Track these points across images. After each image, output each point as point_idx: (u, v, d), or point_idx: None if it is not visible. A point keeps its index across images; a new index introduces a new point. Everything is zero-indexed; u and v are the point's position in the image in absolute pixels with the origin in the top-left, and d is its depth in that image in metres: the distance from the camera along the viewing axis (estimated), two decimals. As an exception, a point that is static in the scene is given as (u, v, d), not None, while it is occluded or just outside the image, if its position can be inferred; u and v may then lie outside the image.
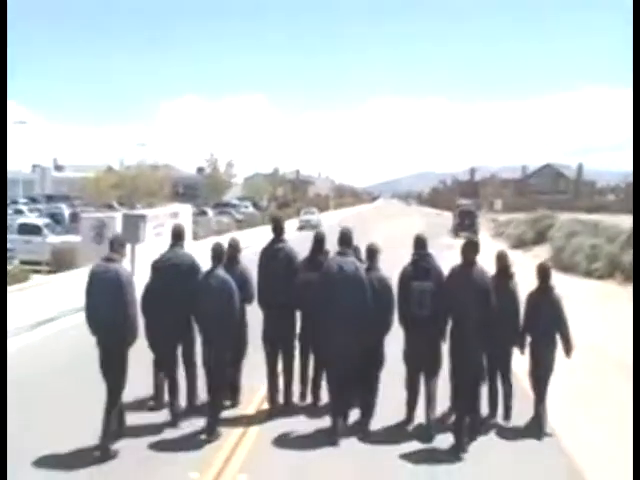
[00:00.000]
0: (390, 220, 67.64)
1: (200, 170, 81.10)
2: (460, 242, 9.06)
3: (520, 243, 31.62)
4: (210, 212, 49.26)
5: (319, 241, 8.67)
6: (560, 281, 21.09)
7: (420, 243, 8.22)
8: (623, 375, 10.09)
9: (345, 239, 8.17)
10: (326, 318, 7.77)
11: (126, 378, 7.38)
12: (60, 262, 23.82)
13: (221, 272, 7.80)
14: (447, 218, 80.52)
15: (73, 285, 16.99)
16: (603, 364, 11.32)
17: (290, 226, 49.55)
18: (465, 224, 42.46)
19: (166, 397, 8.39)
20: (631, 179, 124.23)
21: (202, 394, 8.40)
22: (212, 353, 7.73)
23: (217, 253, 7.93)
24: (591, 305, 16.65)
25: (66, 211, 36.73)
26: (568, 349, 8.12)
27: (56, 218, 32.34)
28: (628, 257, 19.88)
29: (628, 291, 18.43)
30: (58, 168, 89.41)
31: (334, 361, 7.80)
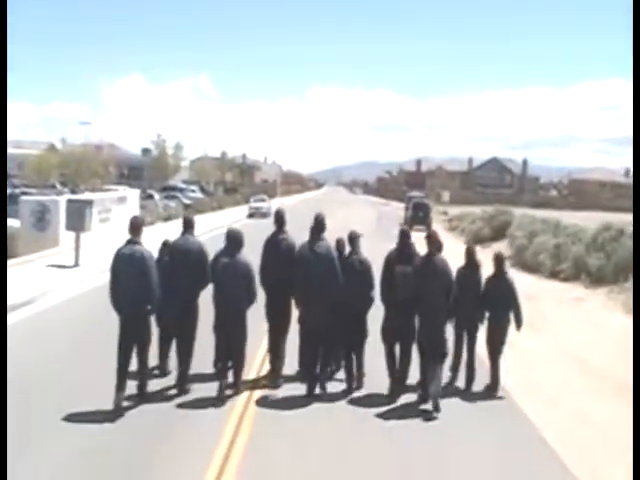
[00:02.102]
0: (341, 209, 66.78)
1: (145, 151, 78.59)
2: (415, 234, 10.18)
3: (477, 239, 31.09)
4: (156, 196, 47.49)
5: (315, 225, 9.19)
6: (526, 282, 20.58)
7: (404, 233, 9.23)
8: (623, 397, 9.37)
9: (318, 225, 9.07)
10: (305, 294, 8.84)
11: (150, 342, 8.36)
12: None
13: (243, 257, 8.62)
14: (396, 208, 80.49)
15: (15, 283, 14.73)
16: (590, 378, 10.60)
17: (238, 213, 48.28)
18: (419, 216, 42.02)
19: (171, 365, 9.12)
20: (574, 176, 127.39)
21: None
22: (230, 328, 8.51)
23: (235, 239, 8.73)
24: (565, 310, 16.08)
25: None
26: (519, 324, 9.28)
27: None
28: (594, 260, 19.47)
29: (597, 294, 18.02)
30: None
31: (315, 330, 8.79)
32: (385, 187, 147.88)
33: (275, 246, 9.29)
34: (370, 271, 9.08)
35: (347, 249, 9.33)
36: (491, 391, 9.19)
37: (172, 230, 21.87)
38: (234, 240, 8.70)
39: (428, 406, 8.44)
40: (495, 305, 9.26)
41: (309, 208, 61.21)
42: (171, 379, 8.98)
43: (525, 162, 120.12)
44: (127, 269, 8.03)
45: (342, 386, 9.12)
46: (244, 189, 79.71)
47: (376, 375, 9.17)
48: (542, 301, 16.79)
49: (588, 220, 41.19)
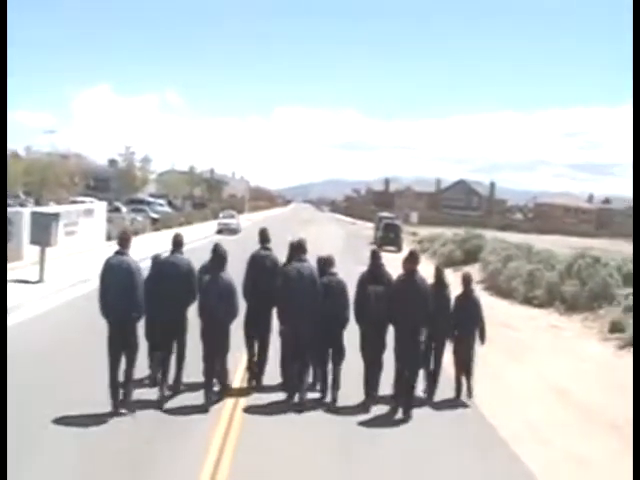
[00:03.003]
0: (309, 227, 66.43)
1: (112, 162, 77.25)
2: (386, 255, 10.80)
3: (449, 262, 30.94)
4: (123, 209, 46.57)
5: (297, 247, 9.72)
6: (500, 307, 20.47)
7: (375, 255, 9.80)
8: (612, 435, 9.09)
9: (300, 247, 9.63)
10: (288, 310, 9.29)
11: (138, 348, 8.74)
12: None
13: (226, 275, 9.01)
14: (363, 227, 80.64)
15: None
16: (576, 413, 10.30)
17: (206, 229, 47.57)
18: (390, 237, 41.88)
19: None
20: (539, 200, 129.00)
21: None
22: (213, 339, 8.90)
23: (219, 255, 9.11)
24: (543, 338, 15.87)
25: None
26: (482, 339, 10.15)
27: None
28: (568, 287, 19.38)
29: (572, 321, 17.91)
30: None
31: (296, 344, 9.29)
32: (353, 206, 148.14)
33: (260, 262, 9.82)
34: (345, 292, 9.52)
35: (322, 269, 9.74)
36: (456, 401, 9.97)
37: (141, 246, 21.38)
38: (218, 256, 9.09)
39: (399, 415, 9.13)
40: (463, 322, 10.00)
41: (280, 225, 61.00)
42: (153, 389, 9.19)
43: (493, 185, 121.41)
44: (115, 278, 8.42)
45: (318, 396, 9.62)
46: (212, 204, 78.85)
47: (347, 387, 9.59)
48: (519, 329, 16.63)
49: (555, 244, 41.62)
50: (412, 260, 9.36)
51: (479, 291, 24.07)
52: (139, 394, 8.92)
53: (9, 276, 17.72)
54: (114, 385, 8.48)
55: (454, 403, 9.95)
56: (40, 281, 17.35)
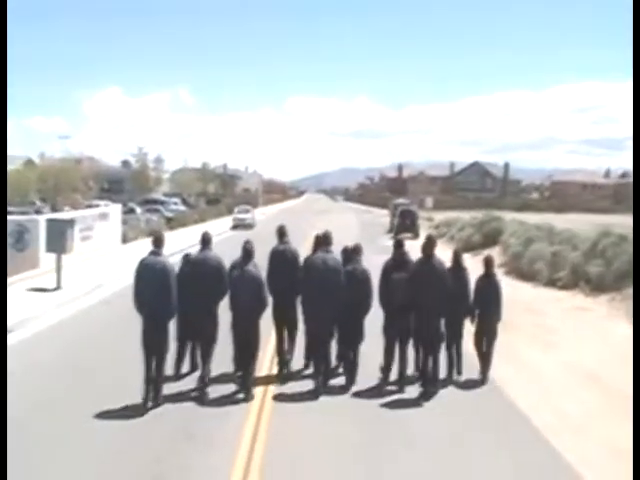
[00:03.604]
0: (324, 217, 66.26)
1: (125, 164, 77.43)
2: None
3: (467, 246, 30.50)
4: (138, 209, 46.55)
5: (323, 239, 10.15)
6: (524, 291, 20.10)
7: (399, 243, 10.25)
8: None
9: (326, 239, 10.07)
10: (315, 299, 9.61)
11: (169, 346, 9.08)
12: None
13: (254, 268, 9.35)
14: (378, 215, 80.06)
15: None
16: (611, 401, 9.98)
17: (221, 225, 47.43)
18: (406, 224, 41.41)
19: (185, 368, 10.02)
20: (554, 178, 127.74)
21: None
22: (243, 333, 9.26)
23: (248, 251, 9.43)
24: (570, 322, 15.49)
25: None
26: (497, 318, 10.35)
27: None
28: (593, 267, 18.96)
29: (599, 303, 17.49)
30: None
31: (321, 332, 9.71)
32: (367, 193, 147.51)
33: (280, 255, 10.33)
34: (369, 281, 9.86)
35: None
36: (481, 382, 10.23)
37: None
38: (247, 252, 9.43)
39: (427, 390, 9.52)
40: (484, 303, 10.24)
41: (294, 218, 60.82)
42: (187, 382, 9.70)
43: (507, 166, 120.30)
44: (149, 277, 8.77)
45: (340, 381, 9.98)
46: (226, 200, 78.78)
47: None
48: (546, 313, 16.25)
49: (574, 223, 40.92)
50: (429, 245, 9.80)
51: (501, 275, 23.78)
52: (172, 388, 9.34)
53: (27, 284, 17.66)
54: (148, 379, 8.79)
55: (476, 383, 10.24)
56: (58, 288, 17.21)
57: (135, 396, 8.80)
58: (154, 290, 8.73)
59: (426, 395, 9.46)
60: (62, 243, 17.39)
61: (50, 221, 18.31)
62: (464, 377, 10.36)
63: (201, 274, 9.32)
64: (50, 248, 17.83)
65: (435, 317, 9.63)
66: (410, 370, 10.12)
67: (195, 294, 9.24)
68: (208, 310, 9.31)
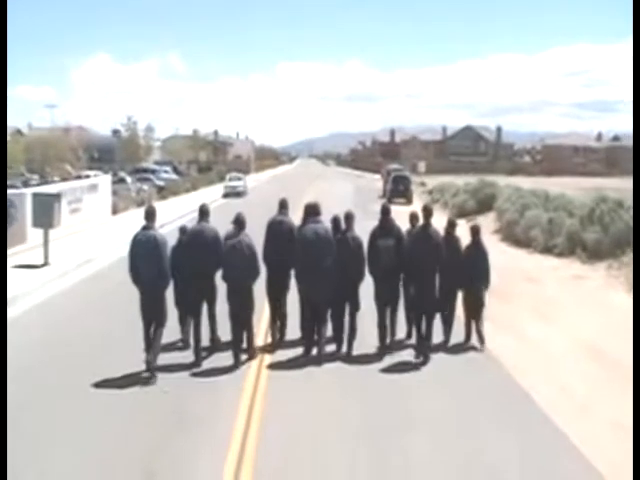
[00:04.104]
0: (317, 183, 65.83)
1: (115, 132, 76.30)
2: (397, 208, 11.75)
3: (462, 212, 30.25)
4: (128, 179, 45.88)
5: (312, 209, 10.20)
6: (521, 258, 19.87)
7: (385, 209, 10.30)
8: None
9: (315, 209, 10.15)
10: (307, 270, 9.82)
11: (167, 314, 9.39)
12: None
13: (247, 238, 9.62)
14: (371, 180, 79.60)
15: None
16: (614, 375, 9.76)
17: (212, 193, 46.91)
18: (399, 190, 41.11)
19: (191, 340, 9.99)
20: (546, 142, 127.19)
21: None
22: (238, 300, 9.57)
23: (240, 222, 9.73)
24: (568, 291, 15.27)
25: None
26: (486, 285, 10.64)
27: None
28: (590, 234, 18.72)
29: (596, 270, 17.27)
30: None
31: (314, 301, 9.90)
32: (359, 158, 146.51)
33: (278, 226, 10.41)
34: (362, 248, 9.98)
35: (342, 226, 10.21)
36: (466, 344, 10.60)
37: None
38: (239, 223, 9.71)
39: (420, 357, 9.83)
40: (472, 270, 10.46)
41: (286, 184, 60.32)
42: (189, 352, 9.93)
43: (499, 129, 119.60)
44: (143, 252, 9.11)
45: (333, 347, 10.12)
46: (218, 167, 78.05)
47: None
48: (544, 282, 16.02)
49: (567, 187, 40.73)
50: (426, 214, 10.04)
51: (496, 242, 23.58)
52: (173, 358, 9.72)
53: (14, 261, 17.28)
54: (148, 346, 9.16)
55: (466, 347, 10.57)
56: (46, 264, 16.84)
57: (126, 368, 9.20)
58: (149, 263, 9.07)
59: (422, 361, 9.77)
60: (49, 218, 16.92)
61: (36, 195, 17.71)
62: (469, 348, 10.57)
63: (199, 245, 9.72)
64: (37, 223, 17.36)
65: (430, 284, 9.90)
66: (402, 334, 10.65)
67: (193, 265, 9.67)
68: (207, 280, 9.84)
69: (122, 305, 12.10)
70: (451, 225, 10.63)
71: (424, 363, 9.72)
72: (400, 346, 10.40)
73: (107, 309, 12.94)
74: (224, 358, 9.71)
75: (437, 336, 10.42)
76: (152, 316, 9.21)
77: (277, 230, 10.39)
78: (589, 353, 10.66)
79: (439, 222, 10.67)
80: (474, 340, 10.62)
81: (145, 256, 9.10)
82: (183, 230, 10.21)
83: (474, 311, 10.56)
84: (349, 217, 10.17)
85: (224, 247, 9.69)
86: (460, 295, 10.70)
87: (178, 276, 9.61)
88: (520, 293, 14.72)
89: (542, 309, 13.37)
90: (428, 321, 9.92)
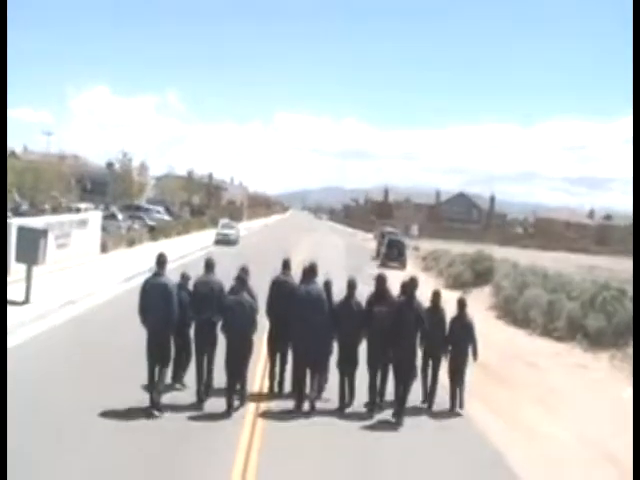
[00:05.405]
0: (310, 237, 65.34)
1: (110, 165, 75.68)
2: (389, 272, 12.84)
3: (457, 283, 29.71)
4: (120, 215, 45.12)
5: (309, 271, 10.84)
6: (520, 340, 19.14)
7: (380, 279, 10.91)
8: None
9: (312, 271, 10.76)
10: (298, 328, 10.42)
11: (171, 355, 10.09)
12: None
13: (247, 296, 10.17)
14: (363, 239, 79.46)
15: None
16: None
17: (204, 238, 46.22)
18: (394, 254, 40.59)
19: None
20: (539, 214, 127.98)
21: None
22: (236, 351, 9.97)
23: (243, 279, 10.35)
24: (572, 381, 14.52)
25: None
26: (475, 356, 11.18)
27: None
28: (592, 321, 18.11)
29: (599, 359, 16.59)
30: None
31: (305, 357, 10.42)
32: (352, 215, 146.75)
33: (280, 286, 11.05)
34: (363, 313, 10.64)
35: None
36: (451, 411, 11.03)
37: (137, 260, 20.49)
38: (241, 280, 10.32)
39: (397, 420, 10.22)
40: (457, 342, 11.08)
41: (278, 235, 59.79)
42: (188, 393, 10.40)
43: (493, 199, 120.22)
44: (154, 297, 9.71)
45: (326, 405, 10.61)
46: (210, 211, 77.51)
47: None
48: (545, 369, 15.31)
49: (561, 263, 40.43)
50: (411, 285, 10.64)
51: (493, 318, 22.93)
52: (173, 397, 10.17)
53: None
54: (151, 386, 9.64)
55: (450, 414, 10.97)
56: (26, 302, 15.97)
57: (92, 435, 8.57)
58: (158, 308, 9.64)
59: (399, 419, 10.22)
60: (33, 254, 16.08)
61: (21, 229, 16.80)
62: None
63: (205, 297, 10.18)
64: (20, 258, 16.47)
65: (411, 353, 10.39)
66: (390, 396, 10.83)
67: (198, 314, 10.20)
68: (211, 329, 10.18)
69: (101, 358, 11.29)
70: (436, 296, 11.17)
71: (398, 423, 10.14)
72: (389, 406, 10.66)
73: (83, 364, 11.91)
74: (219, 405, 9.96)
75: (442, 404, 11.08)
76: (158, 357, 9.71)
77: (279, 289, 11.04)
78: (599, 456, 9.91)
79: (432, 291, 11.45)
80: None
81: (155, 301, 9.69)
82: (185, 277, 10.81)
83: (457, 379, 11.08)
84: (352, 285, 10.80)
85: (227, 300, 10.18)
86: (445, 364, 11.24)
87: (183, 322, 10.22)
88: (522, 380, 14.01)
89: (546, 400, 12.64)
90: (405, 385, 10.37)
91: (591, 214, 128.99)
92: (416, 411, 10.80)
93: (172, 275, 10.44)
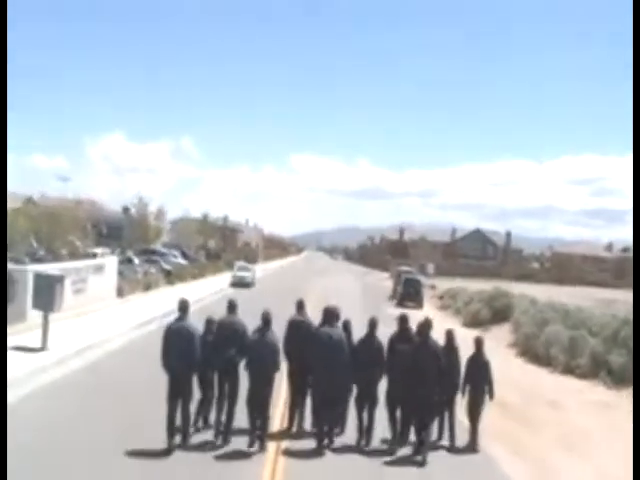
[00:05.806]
0: (325, 277, 65.20)
1: (126, 210, 76.35)
2: (406, 312, 12.79)
3: (475, 321, 29.40)
4: (136, 260, 45.27)
5: (330, 313, 11.10)
6: (542, 378, 18.80)
7: (403, 319, 11.21)
8: None
9: (333, 314, 11.04)
10: (318, 368, 10.64)
11: (192, 396, 10.25)
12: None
13: (272, 335, 10.42)
14: (379, 278, 79.07)
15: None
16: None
17: (220, 282, 46.20)
18: (410, 293, 40.37)
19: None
20: (556, 249, 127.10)
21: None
22: (258, 390, 10.17)
23: (267, 319, 10.47)
24: (595, 421, 14.18)
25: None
26: (491, 396, 11.26)
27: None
28: (615, 357, 17.81)
29: (622, 397, 16.25)
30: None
31: (324, 396, 10.59)
32: (367, 254, 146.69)
33: (297, 327, 11.30)
34: (383, 351, 10.88)
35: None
36: (471, 447, 11.11)
37: (152, 305, 20.48)
38: (265, 320, 10.46)
39: (419, 457, 10.27)
40: (474, 380, 11.18)
41: (293, 276, 59.64)
42: (211, 433, 10.51)
43: (509, 234, 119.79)
44: (176, 341, 10.00)
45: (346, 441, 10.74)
46: (226, 254, 77.68)
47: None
48: (568, 408, 14.99)
49: (579, 298, 39.89)
50: (426, 327, 10.80)
51: (513, 356, 22.60)
52: (196, 437, 10.30)
53: (10, 341, 16.37)
54: (171, 428, 9.83)
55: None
56: (43, 349, 15.94)
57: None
58: (180, 352, 9.93)
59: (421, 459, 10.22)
60: (50, 301, 16.11)
61: (38, 276, 16.91)
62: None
63: (228, 337, 10.46)
64: (36, 305, 16.51)
65: (429, 392, 10.45)
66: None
67: (221, 354, 10.39)
68: (233, 369, 10.45)
69: (117, 405, 11.14)
70: (449, 335, 11.39)
71: (422, 462, 10.15)
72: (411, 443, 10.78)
73: (100, 412, 11.78)
74: (241, 442, 10.19)
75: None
76: (180, 399, 9.95)
77: (296, 329, 11.28)
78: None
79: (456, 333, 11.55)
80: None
81: (177, 346, 9.97)
82: (210, 322, 10.95)
83: (475, 417, 11.19)
84: (373, 323, 11.04)
85: (250, 340, 10.43)
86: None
87: (208, 364, 10.42)
88: (546, 420, 13.71)
89: (571, 442, 12.33)
90: (422, 423, 10.54)
91: (609, 247, 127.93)
92: (433, 449, 10.72)
93: (191, 318, 10.54)
